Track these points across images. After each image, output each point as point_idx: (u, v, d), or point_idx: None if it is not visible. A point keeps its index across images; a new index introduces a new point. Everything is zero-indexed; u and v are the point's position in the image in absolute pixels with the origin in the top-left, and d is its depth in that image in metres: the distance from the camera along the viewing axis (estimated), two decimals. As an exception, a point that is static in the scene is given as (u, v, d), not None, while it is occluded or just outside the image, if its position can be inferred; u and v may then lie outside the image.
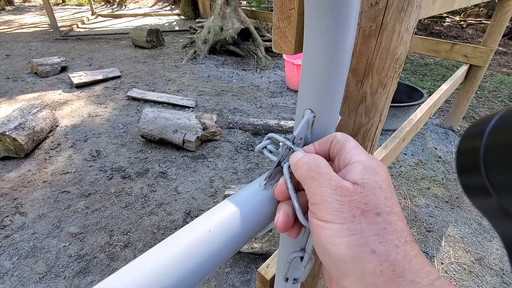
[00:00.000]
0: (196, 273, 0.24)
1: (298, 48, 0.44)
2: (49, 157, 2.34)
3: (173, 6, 10.24)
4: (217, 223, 0.27)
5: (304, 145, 0.34)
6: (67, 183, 2.08)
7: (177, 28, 6.87)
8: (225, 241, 0.27)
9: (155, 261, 0.23)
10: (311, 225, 0.24)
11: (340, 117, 0.35)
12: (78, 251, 1.60)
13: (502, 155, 0.18)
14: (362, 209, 0.22)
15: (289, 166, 0.30)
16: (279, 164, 0.32)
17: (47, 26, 6.74)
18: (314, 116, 0.32)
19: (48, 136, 2.58)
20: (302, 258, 0.33)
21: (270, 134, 0.36)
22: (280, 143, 0.33)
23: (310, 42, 0.28)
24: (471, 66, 2.52)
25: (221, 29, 4.53)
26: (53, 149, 2.42)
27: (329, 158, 0.30)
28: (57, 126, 2.74)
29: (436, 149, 2.59)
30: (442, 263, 1.60)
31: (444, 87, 1.95)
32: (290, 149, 0.31)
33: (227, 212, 0.28)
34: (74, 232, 1.71)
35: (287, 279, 0.44)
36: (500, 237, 0.20)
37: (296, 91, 3.71)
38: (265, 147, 0.36)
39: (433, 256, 1.63)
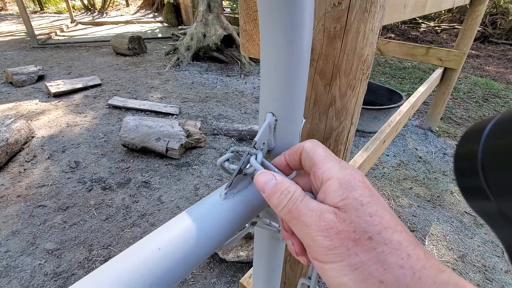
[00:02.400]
0: None
1: (267, 51, 0.43)
2: (24, 169, 2.23)
3: (155, 14, 10.17)
4: (169, 239, 0.25)
5: (268, 151, 0.33)
6: (43, 196, 1.98)
7: (159, 35, 6.82)
8: (177, 259, 0.24)
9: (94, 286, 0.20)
10: (314, 265, 0.23)
11: (304, 120, 0.34)
12: (55, 268, 1.52)
13: (499, 159, 0.18)
14: (353, 238, 0.21)
15: (255, 159, 0.29)
16: (240, 172, 0.30)
17: (24, 34, 6.52)
18: (276, 120, 0.31)
19: (23, 148, 2.46)
20: (309, 286, 0.32)
21: (233, 147, 0.34)
22: (242, 151, 0.31)
23: (267, 44, 0.27)
24: (445, 69, 2.61)
25: (204, 35, 4.52)
26: (29, 161, 2.32)
27: (301, 168, 0.29)
28: (33, 137, 2.63)
29: (416, 149, 2.66)
30: (426, 262, 1.62)
31: (421, 89, 2.01)
32: (251, 155, 0.30)
33: (182, 226, 0.26)
34: (51, 248, 1.63)
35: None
36: (500, 241, 0.20)
37: (280, 96, 3.73)
38: (227, 159, 0.35)
39: (418, 256, 1.65)
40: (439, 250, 1.70)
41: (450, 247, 1.73)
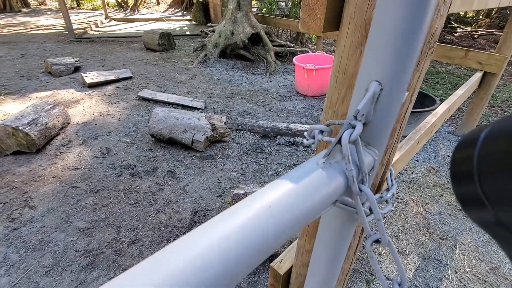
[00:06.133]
0: (259, 249, 0.22)
1: (328, 25, 0.43)
2: (60, 153, 2.36)
3: (184, 12, 10.43)
4: (277, 198, 0.24)
5: (365, 123, 0.31)
6: (77, 179, 2.09)
7: (188, 32, 6.98)
8: (288, 218, 0.24)
9: (212, 235, 0.21)
10: None
11: (407, 93, 0.32)
12: (86, 246, 1.60)
13: (494, 165, 0.17)
14: None
15: (349, 137, 0.28)
16: (339, 141, 0.29)
17: (62, 28, 6.91)
18: (381, 89, 0.29)
19: (59, 133, 2.61)
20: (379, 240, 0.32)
21: (331, 120, 0.33)
22: (340, 123, 0.30)
23: (383, 5, 0.26)
24: (485, 73, 2.48)
25: (232, 33, 4.58)
26: (64, 146, 2.45)
27: None
28: (68, 123, 2.78)
29: (448, 156, 2.54)
30: (456, 272, 1.54)
31: (459, 92, 1.92)
32: (350, 125, 0.29)
33: (286, 188, 0.26)
34: (82, 227, 1.71)
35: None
36: (500, 247, 0.20)
37: (305, 96, 3.70)
38: (322, 131, 0.33)
39: (447, 265, 1.58)
40: (470, 260, 1.62)
41: (482, 258, 1.64)
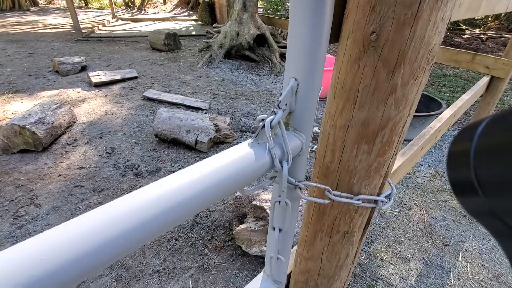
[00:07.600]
0: (187, 203, 0.29)
1: (326, 38, 0.43)
2: (66, 152, 2.39)
3: (190, 12, 10.48)
4: (209, 165, 0.32)
5: (289, 112, 0.41)
6: (82, 177, 2.11)
7: (194, 32, 7.01)
8: (214, 182, 0.31)
9: (152, 194, 0.29)
10: None
11: (322, 88, 0.40)
12: (89, 244, 1.62)
13: (491, 156, 0.18)
14: None
15: (271, 122, 0.37)
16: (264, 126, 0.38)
17: (70, 27, 7.00)
18: (298, 84, 0.38)
19: (65, 132, 2.64)
20: (279, 202, 0.44)
21: (271, 110, 0.42)
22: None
23: (294, 18, 0.34)
24: (492, 77, 2.45)
25: (237, 34, 4.59)
26: (70, 144, 2.48)
27: None
28: (74, 122, 2.82)
29: (453, 161, 2.52)
30: (459, 279, 1.53)
31: (465, 97, 1.91)
32: (274, 112, 0.38)
33: (217, 160, 0.33)
34: (86, 226, 1.73)
35: (273, 228, 0.57)
36: (495, 239, 0.20)
37: (309, 98, 3.69)
38: (263, 119, 0.42)
39: (450, 271, 1.57)
40: (473, 267, 1.60)
41: (485, 266, 1.62)
